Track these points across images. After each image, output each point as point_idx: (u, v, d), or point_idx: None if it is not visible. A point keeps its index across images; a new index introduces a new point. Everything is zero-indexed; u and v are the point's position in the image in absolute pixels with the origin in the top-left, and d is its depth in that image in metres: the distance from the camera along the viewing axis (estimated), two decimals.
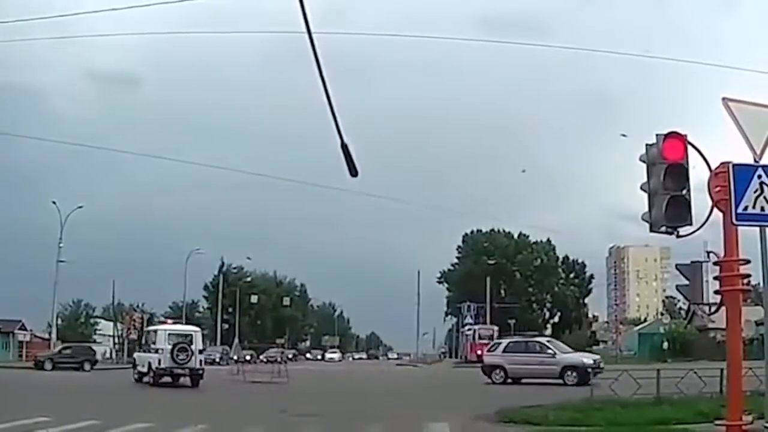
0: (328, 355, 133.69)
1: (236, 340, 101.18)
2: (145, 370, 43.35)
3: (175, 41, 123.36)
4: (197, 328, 49.57)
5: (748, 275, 14.18)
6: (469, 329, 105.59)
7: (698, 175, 14.08)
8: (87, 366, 62.68)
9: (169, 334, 43.85)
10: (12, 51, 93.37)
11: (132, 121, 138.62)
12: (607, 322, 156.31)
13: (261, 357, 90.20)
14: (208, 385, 41.40)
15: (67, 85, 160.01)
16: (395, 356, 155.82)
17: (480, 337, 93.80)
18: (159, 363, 41.87)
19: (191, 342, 43.29)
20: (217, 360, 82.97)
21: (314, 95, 7.61)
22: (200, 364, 43.03)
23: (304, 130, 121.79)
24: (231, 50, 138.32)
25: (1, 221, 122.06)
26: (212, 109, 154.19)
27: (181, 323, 61.93)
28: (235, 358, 71.64)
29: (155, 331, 45.54)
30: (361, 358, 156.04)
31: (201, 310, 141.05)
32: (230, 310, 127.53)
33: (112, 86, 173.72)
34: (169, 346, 41.95)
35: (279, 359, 79.27)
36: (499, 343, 48.59)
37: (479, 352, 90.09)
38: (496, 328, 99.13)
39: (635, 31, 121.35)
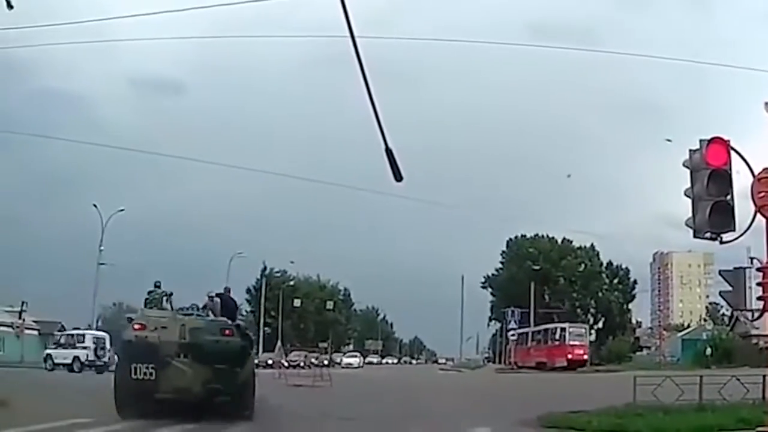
0: (345, 360, 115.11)
1: (279, 344, 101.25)
2: (68, 362, 60.00)
3: (219, 46, 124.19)
4: (106, 334, 64.57)
5: None
6: (512, 334, 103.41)
7: (742, 180, 14.08)
8: None
9: (94, 337, 62.94)
10: (56, 56, 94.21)
11: (175, 126, 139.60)
12: (650, 328, 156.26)
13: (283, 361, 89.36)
14: None
15: (110, 90, 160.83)
16: (443, 361, 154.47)
17: (572, 338, 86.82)
18: (87, 357, 60.27)
19: (105, 343, 62.43)
20: None
21: (360, 100, 7.70)
22: (109, 359, 57.90)
23: (349, 134, 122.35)
24: (276, 55, 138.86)
25: (43, 224, 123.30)
26: (256, 114, 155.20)
27: (101, 330, 72.06)
28: (280, 361, 71.52)
29: (83, 335, 63.54)
30: (373, 363, 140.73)
31: (243, 313, 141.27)
32: (273, 313, 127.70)
33: (155, 92, 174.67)
34: (93, 345, 61.35)
35: (302, 364, 78.99)
36: None
37: (570, 355, 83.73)
38: (586, 326, 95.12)
39: (682, 36, 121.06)
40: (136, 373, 21.26)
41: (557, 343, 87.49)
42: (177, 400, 21.84)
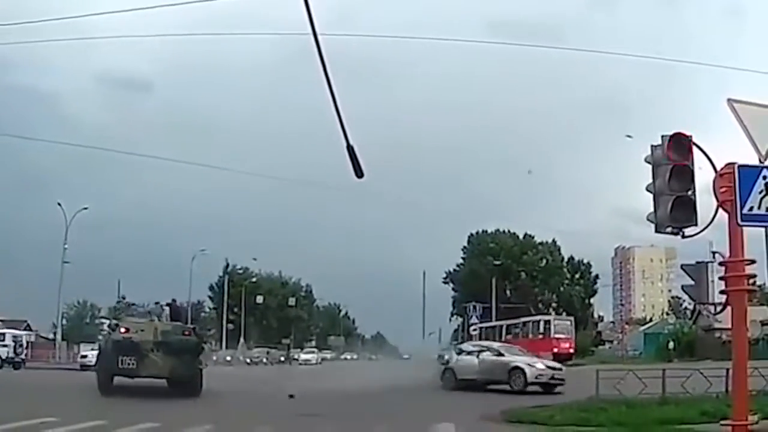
0: (303, 356, 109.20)
1: (242, 340, 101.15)
2: None
3: (187, 44, 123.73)
4: (24, 333, 72.48)
5: (754, 275, 14.23)
6: (474, 328, 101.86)
7: (705, 176, 14.12)
8: None
9: (13, 336, 65.67)
10: (23, 53, 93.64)
11: (140, 124, 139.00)
12: (612, 322, 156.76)
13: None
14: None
15: (78, 88, 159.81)
16: (407, 356, 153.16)
17: (557, 331, 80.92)
18: (7, 354, 62.44)
19: (22, 340, 67.59)
20: None
21: (321, 97, 7.66)
22: (25, 356, 66.13)
23: (311, 131, 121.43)
24: (240, 53, 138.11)
25: (7, 222, 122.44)
26: (219, 111, 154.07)
27: (17, 329, 75.44)
28: (242, 358, 71.34)
29: (3, 334, 65.11)
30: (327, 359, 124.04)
31: (206, 310, 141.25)
32: (236, 310, 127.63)
33: (123, 89, 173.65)
34: (12, 343, 64.06)
35: (265, 360, 78.61)
36: None
37: (556, 349, 75.83)
38: (571, 318, 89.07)
39: (645, 34, 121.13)
40: (122, 364, 29.69)
41: (541, 336, 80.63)
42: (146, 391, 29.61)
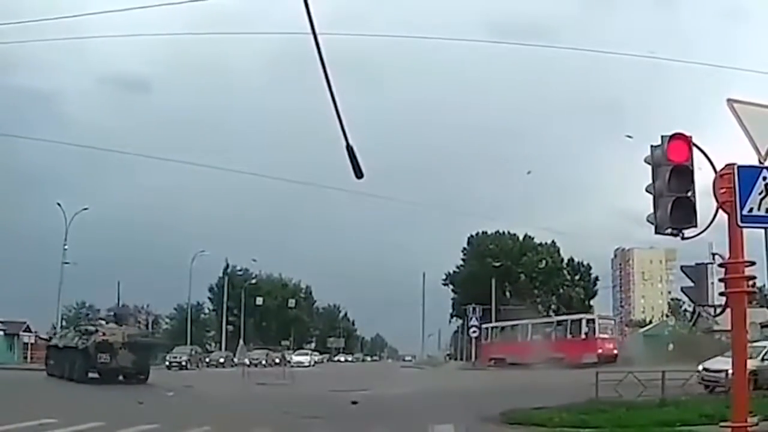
0: (295, 358, 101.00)
1: (241, 342, 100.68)
2: None
3: (185, 45, 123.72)
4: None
5: (753, 277, 14.16)
6: (473, 330, 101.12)
7: (705, 177, 14.08)
8: None
9: None
10: (23, 53, 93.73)
11: (139, 124, 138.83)
12: None
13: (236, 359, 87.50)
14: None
15: (78, 88, 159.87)
16: (409, 358, 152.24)
17: (602, 331, 76.92)
18: None
19: None
20: (184, 363, 76.21)
21: (321, 97, 7.63)
22: None
23: (311, 131, 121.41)
24: (240, 53, 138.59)
25: (7, 222, 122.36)
26: (219, 111, 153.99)
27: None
28: (238, 360, 70.65)
29: None
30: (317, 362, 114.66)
31: (206, 311, 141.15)
32: (235, 312, 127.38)
33: (121, 89, 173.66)
34: None
35: (264, 362, 78.79)
36: None
37: (601, 350, 73.09)
38: (616, 318, 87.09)
39: (644, 34, 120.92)
40: (99, 359, 41.00)
41: (583, 337, 76.37)
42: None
